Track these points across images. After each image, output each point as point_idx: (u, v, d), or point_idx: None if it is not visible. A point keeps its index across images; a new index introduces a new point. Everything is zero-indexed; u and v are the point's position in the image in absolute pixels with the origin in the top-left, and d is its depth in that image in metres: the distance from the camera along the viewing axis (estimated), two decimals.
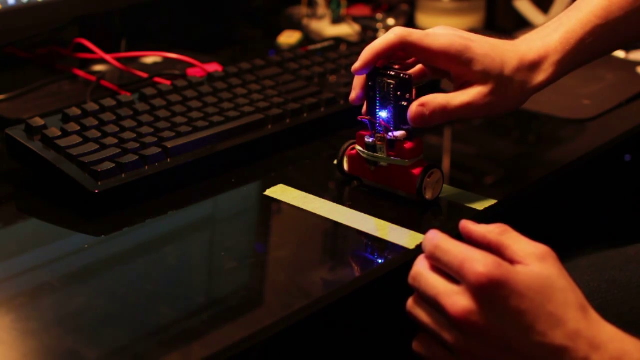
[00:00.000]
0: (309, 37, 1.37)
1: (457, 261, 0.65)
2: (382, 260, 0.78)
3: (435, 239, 0.68)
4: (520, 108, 0.88)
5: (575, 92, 1.14)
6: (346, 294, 0.74)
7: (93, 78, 1.13)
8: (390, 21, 1.39)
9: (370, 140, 0.85)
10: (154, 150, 0.88)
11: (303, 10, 1.40)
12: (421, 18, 1.44)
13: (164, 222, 0.85)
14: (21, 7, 1.05)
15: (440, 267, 0.67)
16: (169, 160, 0.89)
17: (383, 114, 0.84)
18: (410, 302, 0.69)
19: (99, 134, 0.90)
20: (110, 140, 0.89)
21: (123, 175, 0.85)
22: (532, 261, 0.66)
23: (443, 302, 0.65)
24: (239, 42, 1.40)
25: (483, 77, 0.82)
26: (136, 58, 1.21)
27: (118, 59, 1.15)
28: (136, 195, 0.86)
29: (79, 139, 0.88)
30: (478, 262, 0.64)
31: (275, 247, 0.82)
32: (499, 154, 1.02)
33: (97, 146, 0.88)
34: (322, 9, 1.40)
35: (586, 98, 1.13)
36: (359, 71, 0.83)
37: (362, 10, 1.43)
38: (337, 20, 1.38)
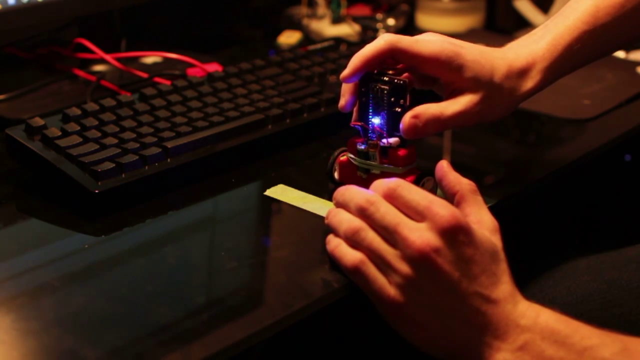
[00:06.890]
0: (309, 37, 1.37)
1: (425, 201, 0.69)
2: None
3: (397, 181, 0.71)
4: (520, 108, 0.88)
5: (575, 92, 1.14)
6: (346, 294, 0.74)
7: (93, 78, 1.13)
8: (390, 21, 1.39)
9: (363, 147, 0.83)
10: (154, 150, 0.88)
11: (303, 10, 1.40)
12: (421, 18, 1.44)
13: (164, 222, 0.85)
14: (21, 7, 1.05)
15: (399, 205, 0.70)
16: (169, 160, 0.89)
17: (376, 120, 0.82)
18: (356, 224, 0.71)
19: (99, 134, 0.90)
20: (110, 140, 0.89)
21: (123, 175, 0.85)
22: (485, 229, 0.71)
23: (405, 233, 0.68)
24: (239, 42, 1.40)
25: (473, 84, 0.81)
26: (136, 58, 1.21)
27: (118, 59, 1.15)
28: (136, 195, 0.86)
29: (79, 139, 0.88)
30: (446, 207, 0.69)
31: (275, 247, 0.82)
32: (499, 154, 1.02)
33: (97, 146, 0.88)
34: (322, 9, 1.39)
35: (586, 98, 1.13)
36: (348, 79, 0.81)
37: (362, 10, 1.43)
38: (337, 20, 1.38)
